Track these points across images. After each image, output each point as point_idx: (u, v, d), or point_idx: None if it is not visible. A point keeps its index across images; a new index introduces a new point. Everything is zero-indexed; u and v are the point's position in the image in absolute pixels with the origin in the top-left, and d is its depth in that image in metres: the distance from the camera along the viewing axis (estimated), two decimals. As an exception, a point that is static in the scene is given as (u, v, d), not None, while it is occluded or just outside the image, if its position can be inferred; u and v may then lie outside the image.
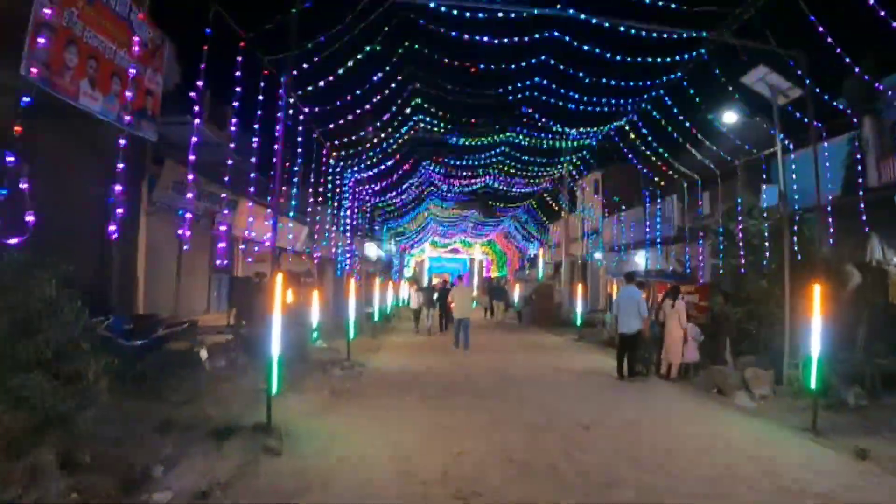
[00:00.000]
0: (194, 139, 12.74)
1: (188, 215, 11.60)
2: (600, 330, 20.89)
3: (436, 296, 22.70)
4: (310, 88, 11.04)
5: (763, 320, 13.48)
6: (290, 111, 12.37)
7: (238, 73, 11.12)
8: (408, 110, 14.49)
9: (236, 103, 11.48)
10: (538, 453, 6.77)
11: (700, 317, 13.69)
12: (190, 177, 11.30)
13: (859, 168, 12.65)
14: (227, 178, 12.22)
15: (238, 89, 11.31)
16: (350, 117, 13.11)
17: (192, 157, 10.67)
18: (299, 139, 13.86)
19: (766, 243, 13.10)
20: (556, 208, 27.52)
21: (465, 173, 22.45)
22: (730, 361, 12.77)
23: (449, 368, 13.15)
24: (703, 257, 20.81)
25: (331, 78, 10.93)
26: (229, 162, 12.05)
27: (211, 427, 7.33)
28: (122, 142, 9.43)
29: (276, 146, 8.98)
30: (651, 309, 13.13)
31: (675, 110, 13.78)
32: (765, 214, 12.70)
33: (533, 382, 11.46)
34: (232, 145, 11.93)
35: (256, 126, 11.98)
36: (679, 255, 21.33)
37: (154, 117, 11.38)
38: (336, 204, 18.51)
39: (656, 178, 19.85)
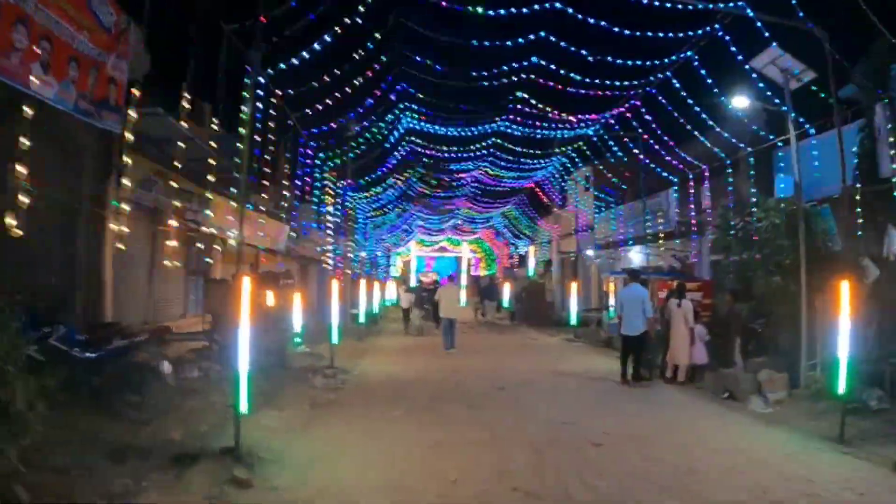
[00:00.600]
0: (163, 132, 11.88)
1: (162, 214, 10.75)
2: (595, 329, 20.14)
3: (425, 294, 22.36)
4: (282, 66, 10.07)
5: (772, 319, 12.80)
6: (264, 95, 11.48)
7: (218, 65, 10.29)
8: (392, 96, 13.57)
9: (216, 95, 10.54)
10: (546, 478, 5.91)
11: (704, 315, 12.93)
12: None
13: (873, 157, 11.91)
14: (206, 176, 11.32)
15: (218, 82, 10.48)
16: (329, 101, 12.14)
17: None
18: (272, 126, 12.88)
19: (774, 238, 12.35)
20: (548, 201, 26.68)
21: (452, 167, 21.53)
22: (739, 363, 12.01)
23: (439, 374, 12.29)
24: (702, 253, 20.08)
25: (304, 54, 9.97)
26: (212, 162, 11.17)
27: (172, 452, 6.42)
28: (87, 135, 8.52)
29: (249, 134, 8.03)
30: (655, 308, 12.34)
31: (679, 96, 12.98)
32: (782, 206, 11.91)
33: (531, 389, 10.62)
34: (212, 143, 11.08)
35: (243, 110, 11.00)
36: (678, 252, 20.57)
37: (119, 107, 10.45)
38: (318, 199, 17.58)
39: (656, 169, 19.08)
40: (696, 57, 12.56)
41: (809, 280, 10.50)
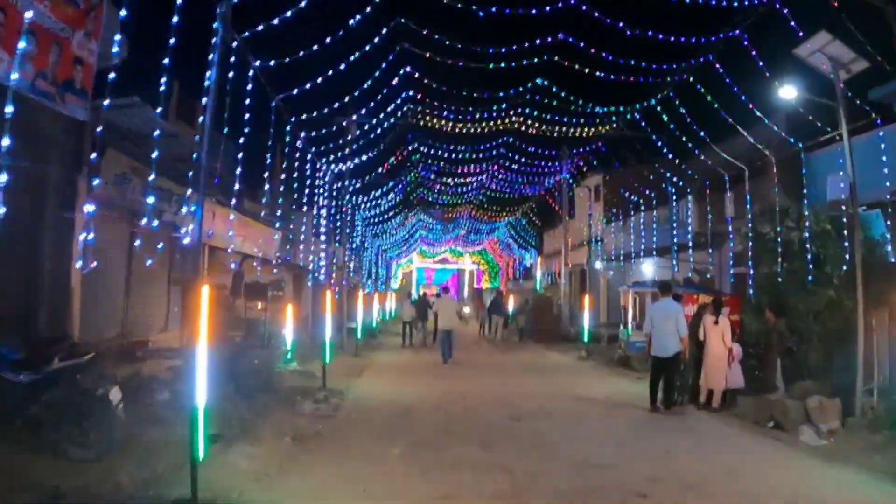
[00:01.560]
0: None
1: (139, 215, 9.49)
2: (607, 346, 18.79)
3: (427, 307, 21.25)
4: (262, 36, 8.84)
5: (807, 336, 11.54)
6: (252, 87, 10.25)
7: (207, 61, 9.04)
8: (395, 81, 12.29)
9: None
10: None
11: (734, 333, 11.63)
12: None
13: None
14: (191, 174, 10.03)
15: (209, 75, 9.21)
16: (320, 82, 10.87)
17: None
18: (265, 126, 11.67)
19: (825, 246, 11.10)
20: (557, 209, 25.39)
21: (460, 169, 20.24)
22: (781, 387, 10.72)
23: (444, 398, 10.93)
24: (722, 265, 18.80)
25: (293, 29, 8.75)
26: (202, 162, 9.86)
27: (118, 501, 5.15)
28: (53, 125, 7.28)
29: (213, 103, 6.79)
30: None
31: (702, 96, 11.80)
32: (837, 210, 10.63)
33: (550, 419, 9.25)
34: (198, 137, 9.80)
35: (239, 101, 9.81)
36: (696, 264, 19.28)
37: (86, 93, 9.24)
38: (313, 203, 16.31)
39: (672, 178, 17.86)
40: (716, 57, 11.52)
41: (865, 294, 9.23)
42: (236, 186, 11.35)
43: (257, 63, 9.76)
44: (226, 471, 6.12)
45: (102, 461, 5.97)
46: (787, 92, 10.16)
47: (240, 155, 11.73)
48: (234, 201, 11.45)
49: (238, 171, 12.91)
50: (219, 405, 9.41)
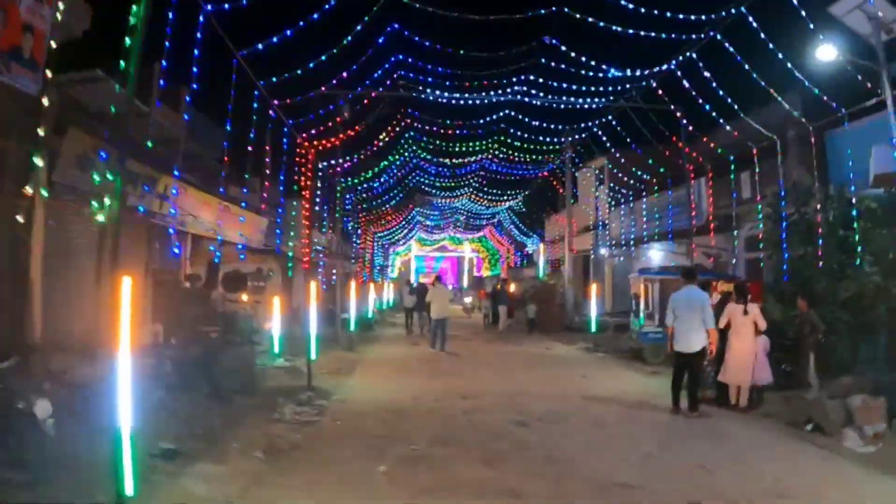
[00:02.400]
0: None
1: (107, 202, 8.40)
2: (613, 336, 17.71)
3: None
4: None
5: (837, 327, 10.53)
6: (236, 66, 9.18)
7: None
8: (382, 40, 11.14)
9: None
10: None
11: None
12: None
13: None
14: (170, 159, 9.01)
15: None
16: (311, 64, 9.83)
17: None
18: (234, 95, 10.60)
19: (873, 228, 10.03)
20: (563, 191, 24.26)
21: (458, 147, 19.07)
22: (815, 384, 9.69)
23: (442, 398, 9.87)
24: (735, 250, 17.73)
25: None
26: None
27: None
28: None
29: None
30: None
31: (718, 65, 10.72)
32: (889, 185, 9.54)
33: (562, 424, 8.18)
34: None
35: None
36: (708, 249, 18.20)
37: (36, 64, 8.19)
38: (302, 188, 15.25)
39: (683, 157, 16.72)
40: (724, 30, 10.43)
41: None
42: (221, 172, 10.42)
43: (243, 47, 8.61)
44: (178, 498, 5.07)
45: (24, 491, 4.92)
46: (826, 52, 9.01)
47: (225, 140, 10.80)
48: (221, 189, 10.41)
49: (222, 154, 12.05)
50: (187, 412, 8.38)
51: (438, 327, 16.40)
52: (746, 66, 11.36)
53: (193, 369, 10.21)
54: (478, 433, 7.56)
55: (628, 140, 19.29)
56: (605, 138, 20.63)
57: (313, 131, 14.63)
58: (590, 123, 18.22)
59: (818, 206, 12.01)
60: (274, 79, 13.11)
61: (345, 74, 13.32)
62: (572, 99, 14.09)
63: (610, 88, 13.99)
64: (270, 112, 13.60)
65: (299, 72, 13.35)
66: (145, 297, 12.20)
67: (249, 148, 12.66)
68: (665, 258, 21.55)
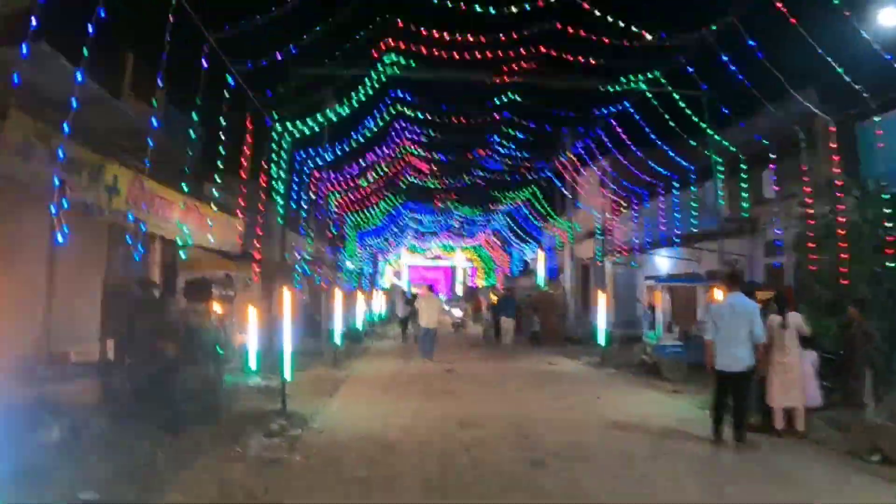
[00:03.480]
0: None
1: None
2: (619, 350, 16.25)
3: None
4: None
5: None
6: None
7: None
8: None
9: None
10: None
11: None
12: None
13: None
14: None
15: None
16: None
17: None
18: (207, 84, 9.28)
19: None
20: (561, 196, 22.96)
21: (451, 137, 17.69)
22: (870, 405, 8.32)
23: (438, 428, 8.38)
24: (755, 254, 16.40)
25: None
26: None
27: None
28: None
29: None
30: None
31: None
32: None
33: (585, 463, 6.65)
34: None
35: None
36: (726, 254, 16.85)
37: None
38: (278, 187, 13.86)
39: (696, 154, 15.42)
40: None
41: None
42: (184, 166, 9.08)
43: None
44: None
45: None
46: (890, 17, 7.69)
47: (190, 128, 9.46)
48: (185, 186, 8.97)
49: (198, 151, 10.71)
50: (129, 446, 6.92)
51: (428, 336, 16.59)
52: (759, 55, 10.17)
53: (146, 392, 8.74)
54: (484, 477, 6.06)
55: (631, 140, 18.10)
56: (607, 138, 19.45)
57: (297, 122, 13.22)
58: (604, 110, 16.79)
59: (851, 205, 10.77)
60: (249, 64, 11.86)
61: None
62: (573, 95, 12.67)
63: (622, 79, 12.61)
64: (253, 109, 12.37)
65: (279, 56, 12.07)
66: (97, 308, 10.69)
67: (222, 143, 11.34)
68: (673, 265, 20.22)
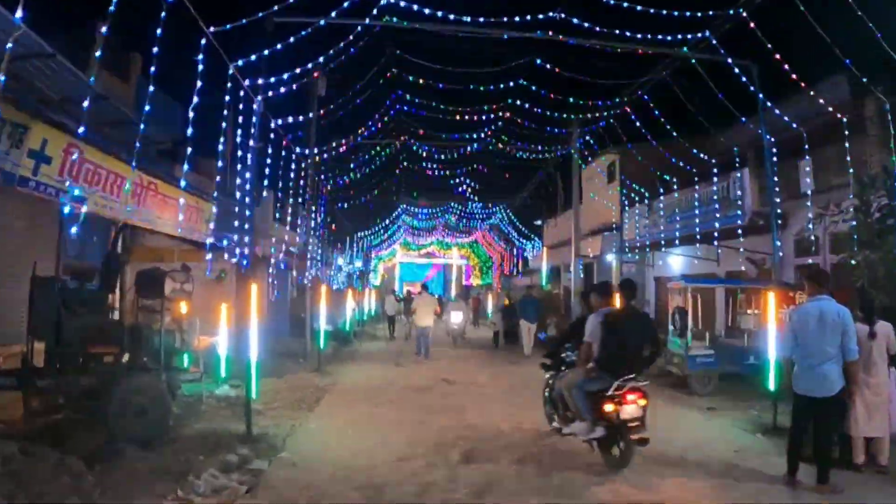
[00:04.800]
0: None
1: None
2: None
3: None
4: None
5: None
6: None
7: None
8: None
9: None
10: None
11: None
12: None
13: None
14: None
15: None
16: None
17: None
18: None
19: None
20: (567, 189, 21.40)
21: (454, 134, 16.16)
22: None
23: (440, 463, 6.71)
24: (783, 253, 14.85)
25: None
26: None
27: None
28: None
29: None
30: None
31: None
32: None
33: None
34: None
35: None
36: (752, 253, 15.34)
37: None
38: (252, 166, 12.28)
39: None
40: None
41: None
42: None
43: None
44: None
45: None
46: None
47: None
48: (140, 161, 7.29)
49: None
50: (39, 485, 5.28)
51: (422, 335, 16.57)
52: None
53: (75, 410, 7.08)
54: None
55: (647, 130, 16.60)
56: (620, 128, 17.99)
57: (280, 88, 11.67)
58: (624, 98, 15.33)
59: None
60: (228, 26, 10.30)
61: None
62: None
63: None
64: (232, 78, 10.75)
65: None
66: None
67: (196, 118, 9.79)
68: (687, 264, 18.69)
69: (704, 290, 14.48)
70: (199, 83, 8.90)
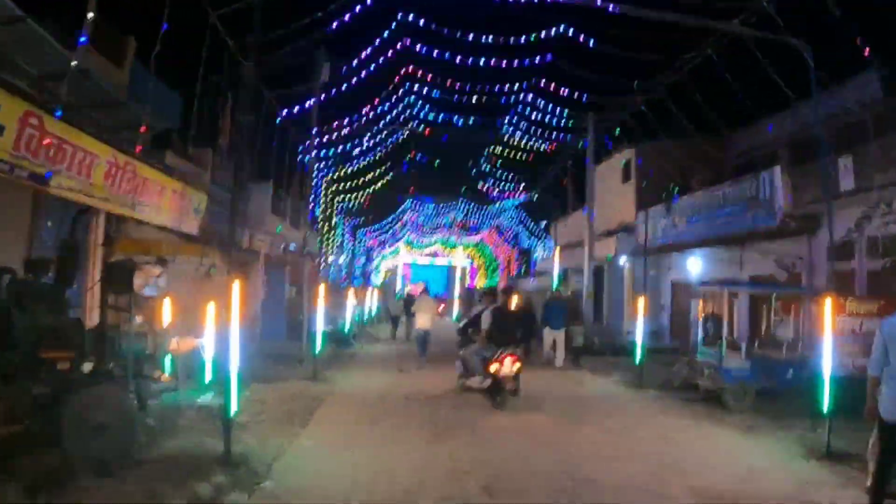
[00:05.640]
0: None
1: None
2: (650, 364, 13.38)
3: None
4: None
5: None
6: None
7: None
8: None
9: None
10: None
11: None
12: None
13: None
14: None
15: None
16: None
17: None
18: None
19: None
20: (583, 187, 20.43)
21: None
22: None
23: (454, 496, 5.67)
24: (816, 258, 13.79)
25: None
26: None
27: None
28: None
29: None
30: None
31: None
32: None
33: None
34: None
35: None
36: (783, 257, 14.30)
37: None
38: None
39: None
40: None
41: None
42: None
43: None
44: None
45: None
46: None
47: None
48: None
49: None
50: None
51: (421, 337, 16.21)
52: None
53: (25, 426, 6.03)
54: None
55: (663, 130, 15.70)
56: (635, 125, 17.10)
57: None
58: (643, 93, 14.48)
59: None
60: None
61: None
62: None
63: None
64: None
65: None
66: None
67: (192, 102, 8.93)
68: (708, 268, 17.63)
69: (733, 296, 13.45)
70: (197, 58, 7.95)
